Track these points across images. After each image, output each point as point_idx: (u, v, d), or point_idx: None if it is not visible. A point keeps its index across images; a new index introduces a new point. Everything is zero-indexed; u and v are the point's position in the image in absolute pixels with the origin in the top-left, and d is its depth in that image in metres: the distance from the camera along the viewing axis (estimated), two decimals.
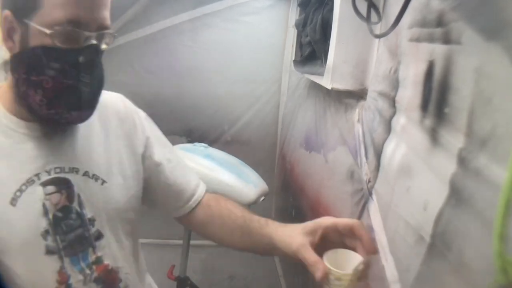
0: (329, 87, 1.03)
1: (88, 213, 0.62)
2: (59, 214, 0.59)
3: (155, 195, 0.77)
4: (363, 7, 0.87)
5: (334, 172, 1.20)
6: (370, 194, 0.85)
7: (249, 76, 2.14)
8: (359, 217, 0.92)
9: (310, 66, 1.35)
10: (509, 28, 0.44)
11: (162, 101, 2.07)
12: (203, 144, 1.42)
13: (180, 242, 1.51)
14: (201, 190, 0.80)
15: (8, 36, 0.51)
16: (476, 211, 0.48)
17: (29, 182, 0.56)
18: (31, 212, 0.57)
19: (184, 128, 2.18)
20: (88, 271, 0.63)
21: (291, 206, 1.89)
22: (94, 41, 0.53)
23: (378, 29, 0.89)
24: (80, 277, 0.62)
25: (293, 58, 1.94)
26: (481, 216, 0.47)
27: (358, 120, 1.00)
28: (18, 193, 0.55)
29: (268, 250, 0.65)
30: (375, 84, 0.88)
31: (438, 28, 0.59)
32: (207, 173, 1.23)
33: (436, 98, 0.60)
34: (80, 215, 0.61)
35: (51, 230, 0.58)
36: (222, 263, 2.30)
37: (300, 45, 1.65)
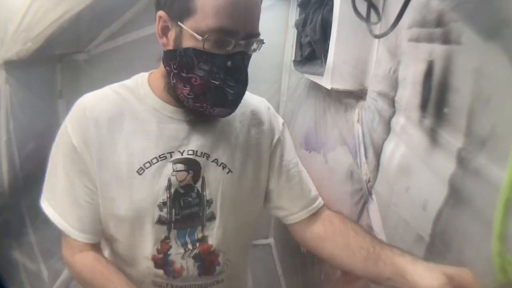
0: (329, 87, 1.03)
1: (207, 195, 0.66)
2: (181, 191, 0.64)
3: (274, 195, 0.76)
4: (363, 7, 0.87)
5: (334, 172, 1.20)
6: (370, 194, 0.85)
7: (249, 76, 2.13)
8: (359, 217, 0.92)
9: (310, 66, 1.35)
10: (508, 28, 0.44)
11: None
12: None
13: None
14: (319, 202, 0.78)
15: (163, 33, 0.58)
16: (475, 211, 0.48)
17: (161, 157, 0.62)
18: (155, 184, 0.62)
19: None
20: (190, 247, 0.66)
21: None
22: (242, 48, 0.57)
23: (377, 29, 0.89)
24: (181, 250, 0.66)
25: (293, 58, 1.94)
26: (480, 216, 0.47)
27: (358, 120, 1.00)
28: (147, 165, 0.61)
29: (393, 280, 0.57)
30: (374, 84, 0.89)
31: (437, 28, 0.59)
32: None
33: (435, 98, 0.60)
34: (199, 195, 0.65)
35: (169, 203, 0.63)
36: None
37: (300, 45, 1.65)
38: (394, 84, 0.76)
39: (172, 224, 0.65)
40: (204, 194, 0.66)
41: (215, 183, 0.66)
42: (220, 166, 0.67)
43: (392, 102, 0.77)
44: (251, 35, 0.59)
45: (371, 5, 0.86)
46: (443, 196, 0.55)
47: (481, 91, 0.48)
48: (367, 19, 0.86)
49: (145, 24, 1.97)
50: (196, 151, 0.64)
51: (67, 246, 0.65)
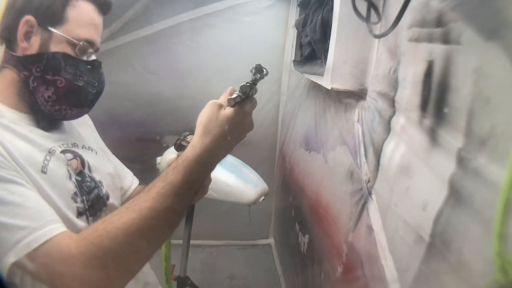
0: (329, 87, 1.03)
1: (96, 176, 0.71)
2: (79, 178, 0.66)
3: None
4: (363, 7, 0.87)
5: (334, 172, 1.20)
6: (370, 194, 0.85)
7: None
8: (359, 217, 0.92)
9: (310, 66, 1.35)
10: (508, 28, 0.44)
11: (162, 101, 2.07)
12: None
13: (180, 242, 1.51)
14: (137, 181, 0.94)
15: (25, 38, 0.60)
16: (475, 210, 0.48)
17: (51, 152, 0.63)
18: (60, 176, 0.62)
19: (184, 128, 2.17)
20: None
21: (291, 206, 1.89)
22: (96, 57, 0.67)
23: (377, 29, 0.89)
24: None
25: (293, 58, 1.94)
26: (480, 215, 0.47)
27: (358, 120, 1.00)
28: (45, 162, 0.60)
29: None
30: (374, 84, 0.89)
31: (437, 28, 0.59)
32: None
33: (435, 98, 0.60)
34: (92, 178, 0.70)
35: (78, 192, 0.64)
36: (222, 263, 2.31)
37: (300, 45, 1.65)
38: (394, 84, 0.76)
39: (88, 212, 0.65)
40: (94, 176, 0.70)
41: (95, 164, 0.71)
42: (89, 149, 0.73)
43: (392, 102, 0.77)
44: (98, 48, 0.69)
45: (371, 5, 0.86)
46: (443, 196, 0.55)
47: (481, 91, 0.48)
48: (367, 19, 0.86)
49: (145, 24, 1.97)
50: (67, 143, 0.68)
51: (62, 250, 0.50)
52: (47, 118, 0.66)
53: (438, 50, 0.59)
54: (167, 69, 2.06)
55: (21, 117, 0.62)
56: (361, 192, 0.91)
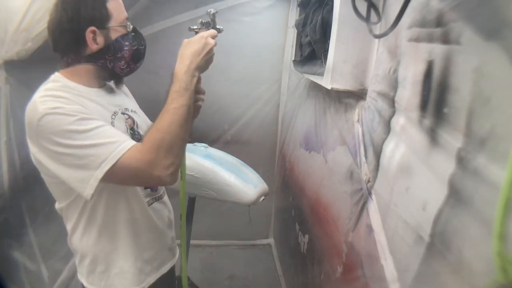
0: (329, 87, 1.03)
1: (140, 131, 0.97)
2: (131, 132, 0.94)
3: None
4: (363, 7, 0.87)
5: (334, 172, 1.20)
6: (370, 194, 0.85)
7: (249, 76, 2.14)
8: (359, 217, 0.92)
9: (310, 66, 1.35)
10: (508, 28, 0.44)
11: (162, 101, 2.06)
12: (203, 144, 1.42)
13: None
14: None
15: (94, 41, 0.82)
16: (475, 211, 0.48)
17: (115, 113, 0.90)
18: (122, 129, 0.88)
19: None
20: None
21: (291, 206, 1.90)
22: (131, 25, 0.90)
23: (377, 29, 0.89)
24: None
25: (293, 58, 1.94)
26: (480, 215, 0.47)
27: (358, 120, 1.00)
28: (112, 119, 0.88)
29: None
30: (374, 84, 0.89)
31: (437, 28, 0.59)
32: (207, 173, 1.23)
33: (435, 98, 0.60)
34: (138, 132, 0.96)
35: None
36: (222, 263, 2.31)
37: (300, 45, 1.65)
38: (394, 84, 0.76)
39: None
40: (139, 131, 0.96)
41: (140, 123, 0.98)
42: (133, 112, 0.99)
43: (392, 102, 0.77)
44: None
45: (371, 5, 0.86)
46: (443, 196, 0.55)
47: (481, 91, 0.48)
48: (367, 19, 0.86)
49: (145, 24, 1.97)
50: (122, 109, 0.94)
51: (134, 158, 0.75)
52: (110, 89, 0.95)
53: (438, 50, 0.59)
54: (167, 69, 2.05)
55: (92, 90, 0.87)
56: (361, 192, 0.91)
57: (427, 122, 0.61)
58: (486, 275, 0.45)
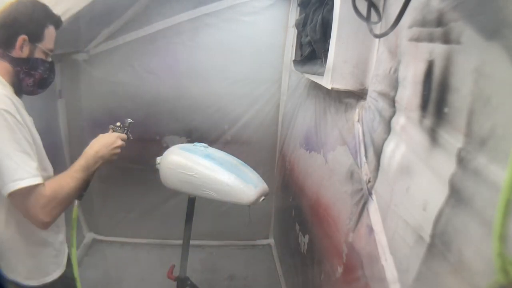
0: (329, 87, 1.03)
1: None
2: None
3: None
4: (363, 7, 0.87)
5: (334, 172, 1.20)
6: (370, 194, 0.85)
7: (249, 76, 2.14)
8: (359, 217, 0.92)
9: (310, 66, 1.35)
10: (509, 28, 0.44)
11: (162, 101, 2.07)
12: (203, 144, 1.42)
13: (180, 242, 1.51)
14: None
15: (20, 48, 0.94)
16: (475, 211, 0.48)
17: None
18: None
19: (184, 128, 2.18)
20: None
21: (291, 206, 1.89)
22: (51, 58, 1.04)
23: (378, 29, 0.89)
24: None
25: (293, 58, 1.93)
26: (480, 216, 0.47)
27: (358, 120, 1.00)
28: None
29: None
30: (375, 84, 0.88)
31: (438, 27, 0.59)
32: (207, 173, 1.22)
33: (435, 98, 0.60)
34: None
35: None
36: (222, 263, 2.30)
37: (300, 45, 1.65)
38: (395, 84, 0.76)
39: None
40: None
41: None
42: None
43: (392, 102, 0.76)
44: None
45: (372, 5, 0.86)
46: (443, 196, 0.54)
47: (481, 91, 0.48)
48: (367, 18, 0.85)
49: (144, 24, 1.97)
50: None
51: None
52: (26, 94, 1.03)
53: (438, 49, 0.59)
54: (167, 69, 2.06)
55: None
56: (361, 192, 0.91)
57: (428, 122, 0.61)
58: (486, 276, 0.44)
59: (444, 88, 0.57)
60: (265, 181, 1.34)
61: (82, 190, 1.06)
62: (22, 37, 0.93)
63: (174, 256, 1.67)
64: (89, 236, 2.39)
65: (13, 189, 0.83)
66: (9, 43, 0.93)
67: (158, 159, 1.34)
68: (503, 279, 0.41)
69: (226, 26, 2.01)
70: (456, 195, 0.52)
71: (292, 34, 2.02)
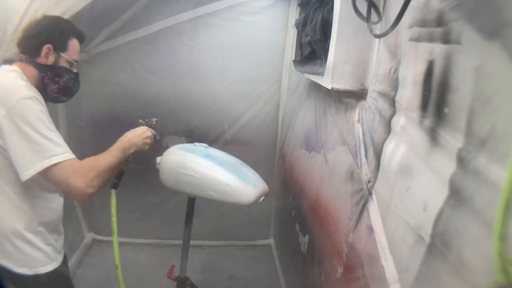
0: (329, 87, 1.03)
1: None
2: None
3: None
4: (363, 7, 0.87)
5: (334, 172, 1.20)
6: (370, 194, 0.85)
7: (249, 76, 2.14)
8: (359, 217, 0.92)
9: (310, 66, 1.35)
10: (509, 28, 0.44)
11: (162, 101, 2.07)
12: (203, 144, 1.42)
13: (180, 242, 1.51)
14: None
15: (45, 56, 1.04)
16: (476, 211, 0.48)
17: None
18: None
19: (184, 128, 2.19)
20: None
21: (291, 206, 1.89)
22: (76, 70, 1.14)
23: (378, 29, 0.89)
24: None
25: (293, 58, 1.93)
26: (481, 216, 0.47)
27: (358, 120, 0.99)
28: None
29: None
30: (375, 84, 0.88)
31: (438, 27, 0.59)
32: (207, 173, 1.22)
33: (435, 98, 0.60)
34: None
35: None
36: (222, 263, 2.30)
37: (300, 45, 1.64)
38: (395, 84, 0.76)
39: None
40: None
41: None
42: None
43: (392, 102, 0.76)
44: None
45: (372, 5, 0.86)
46: (443, 196, 0.54)
47: (481, 90, 0.48)
48: (367, 18, 0.85)
49: (144, 24, 1.97)
50: None
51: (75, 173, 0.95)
52: (50, 101, 1.10)
53: (438, 49, 0.59)
54: (167, 69, 2.06)
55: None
56: (362, 192, 0.91)
57: (428, 122, 0.61)
58: (486, 276, 0.44)
59: (444, 88, 0.57)
60: (265, 181, 1.34)
61: (117, 178, 1.18)
62: (47, 46, 1.02)
63: (174, 256, 1.67)
64: (89, 236, 2.39)
65: (49, 165, 0.89)
66: (35, 51, 1.03)
67: (158, 159, 1.34)
68: (503, 279, 0.41)
69: (226, 26, 2.01)
70: (456, 195, 0.52)
71: (292, 34, 2.02)
